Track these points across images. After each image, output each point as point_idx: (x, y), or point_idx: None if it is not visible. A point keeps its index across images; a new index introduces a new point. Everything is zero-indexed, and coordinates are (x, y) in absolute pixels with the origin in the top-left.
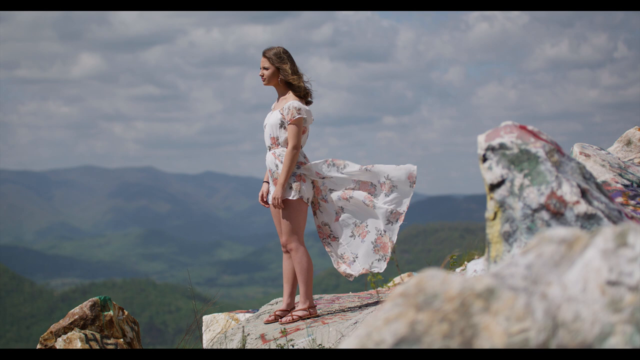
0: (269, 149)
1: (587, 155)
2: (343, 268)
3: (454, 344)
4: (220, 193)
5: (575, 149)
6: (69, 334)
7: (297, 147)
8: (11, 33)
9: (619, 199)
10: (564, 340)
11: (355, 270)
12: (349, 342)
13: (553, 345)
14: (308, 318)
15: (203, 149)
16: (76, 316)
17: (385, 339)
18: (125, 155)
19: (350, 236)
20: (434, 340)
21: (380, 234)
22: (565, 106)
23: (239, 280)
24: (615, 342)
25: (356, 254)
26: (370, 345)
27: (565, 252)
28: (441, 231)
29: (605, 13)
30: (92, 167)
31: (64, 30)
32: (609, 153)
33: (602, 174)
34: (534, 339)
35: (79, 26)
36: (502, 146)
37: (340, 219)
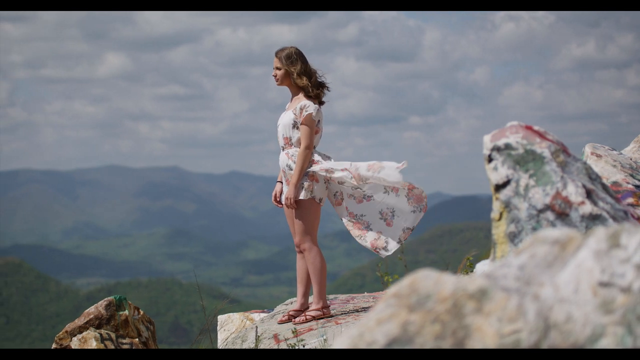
0: (282, 149)
1: (599, 156)
2: (382, 242)
3: (446, 345)
4: (246, 193)
5: (587, 150)
6: (84, 333)
7: (309, 147)
8: (36, 33)
9: (630, 200)
10: (555, 341)
11: (395, 234)
12: (341, 343)
13: (544, 346)
14: (321, 318)
15: (229, 149)
16: (91, 316)
17: (377, 340)
18: (150, 154)
19: (380, 218)
20: (426, 341)
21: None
22: (591, 106)
23: (265, 280)
24: (606, 344)
25: (392, 208)
26: (362, 345)
27: (558, 253)
28: (466, 231)
29: (631, 13)
30: (117, 166)
31: (89, 29)
32: (621, 153)
33: (613, 175)
34: (526, 340)
35: (104, 26)
36: (508, 146)
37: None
